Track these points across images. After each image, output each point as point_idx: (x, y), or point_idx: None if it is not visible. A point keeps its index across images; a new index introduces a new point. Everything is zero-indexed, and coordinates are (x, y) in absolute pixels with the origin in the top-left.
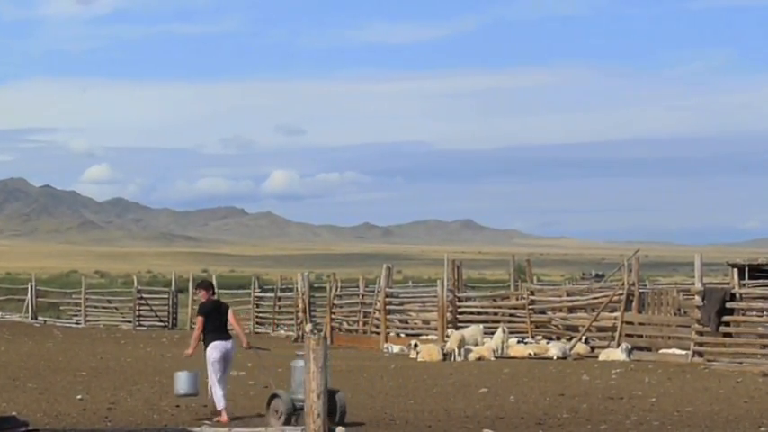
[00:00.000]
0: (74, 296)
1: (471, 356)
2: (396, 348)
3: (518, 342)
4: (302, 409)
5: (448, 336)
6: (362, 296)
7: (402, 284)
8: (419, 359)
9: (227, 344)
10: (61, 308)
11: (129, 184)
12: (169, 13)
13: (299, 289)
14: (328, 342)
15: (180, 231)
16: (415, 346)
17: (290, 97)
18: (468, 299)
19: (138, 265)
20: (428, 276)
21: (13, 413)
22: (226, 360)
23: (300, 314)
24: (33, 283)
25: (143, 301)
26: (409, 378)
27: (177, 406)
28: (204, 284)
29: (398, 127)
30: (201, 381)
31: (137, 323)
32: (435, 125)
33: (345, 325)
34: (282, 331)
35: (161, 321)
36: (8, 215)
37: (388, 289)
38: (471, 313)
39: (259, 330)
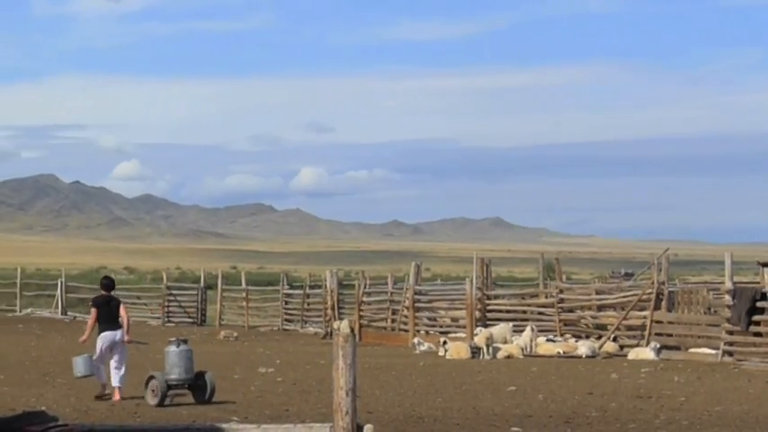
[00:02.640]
0: None
1: (500, 354)
2: (424, 346)
3: (547, 340)
4: (175, 387)
5: (476, 334)
6: (391, 293)
7: (430, 282)
8: (448, 357)
9: (116, 334)
10: (89, 304)
11: (158, 180)
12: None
13: (328, 286)
14: (356, 339)
15: (209, 228)
16: (444, 343)
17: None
18: (496, 297)
19: (167, 261)
20: (456, 274)
21: (43, 408)
22: (114, 348)
23: (329, 311)
24: (63, 279)
25: (172, 298)
26: (438, 376)
27: (207, 401)
28: (102, 283)
29: (428, 124)
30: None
31: (165, 319)
32: (465, 122)
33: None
34: (311, 328)
35: (190, 318)
36: (38, 211)
37: (416, 286)
38: (500, 311)
39: (287, 327)
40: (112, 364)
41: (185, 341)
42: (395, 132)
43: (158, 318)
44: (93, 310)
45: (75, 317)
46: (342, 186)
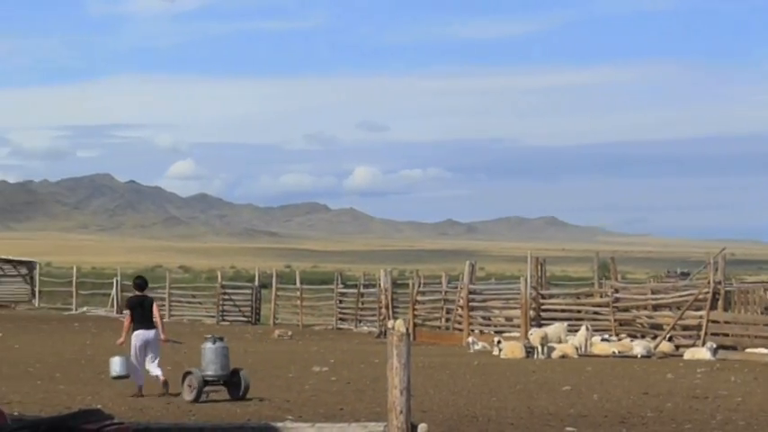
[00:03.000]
0: (158, 291)
1: (554, 354)
2: (478, 345)
3: (602, 340)
4: (211, 383)
5: (531, 333)
6: (445, 293)
7: (485, 281)
8: (502, 356)
9: (150, 333)
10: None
11: (213, 179)
12: (254, 9)
13: (382, 285)
14: (411, 338)
15: (263, 227)
16: (498, 342)
17: (374, 93)
18: (551, 296)
19: (222, 260)
20: (511, 273)
21: (99, 406)
22: (149, 347)
23: (383, 310)
24: (118, 278)
25: (227, 297)
26: (492, 375)
27: (261, 400)
28: (135, 283)
29: (482, 123)
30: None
31: (220, 318)
32: (519, 121)
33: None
34: (365, 327)
35: (244, 317)
36: (94, 210)
37: (471, 285)
38: (555, 311)
39: (342, 326)
40: (148, 359)
41: (221, 338)
42: (449, 131)
43: (213, 316)
44: (128, 312)
45: None
46: (396, 185)
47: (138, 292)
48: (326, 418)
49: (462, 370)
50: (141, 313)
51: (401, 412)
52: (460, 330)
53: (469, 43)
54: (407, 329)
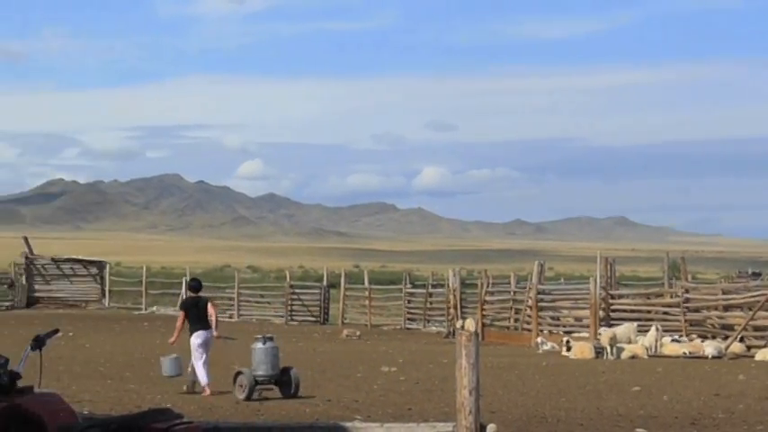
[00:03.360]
0: (227, 291)
1: (624, 355)
2: (547, 345)
3: (672, 340)
4: (262, 383)
5: (600, 333)
6: (514, 293)
7: (554, 281)
8: (571, 357)
9: (207, 333)
10: (215, 302)
11: (281, 179)
12: (322, 9)
13: (451, 285)
14: (479, 338)
15: (331, 227)
16: (567, 343)
17: (442, 93)
18: (620, 296)
19: (290, 260)
20: (580, 273)
21: (168, 406)
22: (207, 346)
23: (452, 310)
24: (187, 278)
25: (295, 297)
26: (561, 376)
27: (329, 400)
28: (190, 285)
29: (551, 122)
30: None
31: (289, 318)
32: (588, 121)
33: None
34: (434, 327)
35: (313, 316)
36: (163, 210)
37: (539, 286)
38: (624, 311)
39: (410, 326)
40: (202, 361)
41: (271, 338)
42: (517, 131)
43: (282, 316)
44: (182, 313)
45: None
46: (464, 185)
47: (192, 294)
48: (395, 418)
49: (531, 370)
50: (197, 314)
51: (470, 412)
52: (529, 330)
53: (537, 42)
54: (476, 329)
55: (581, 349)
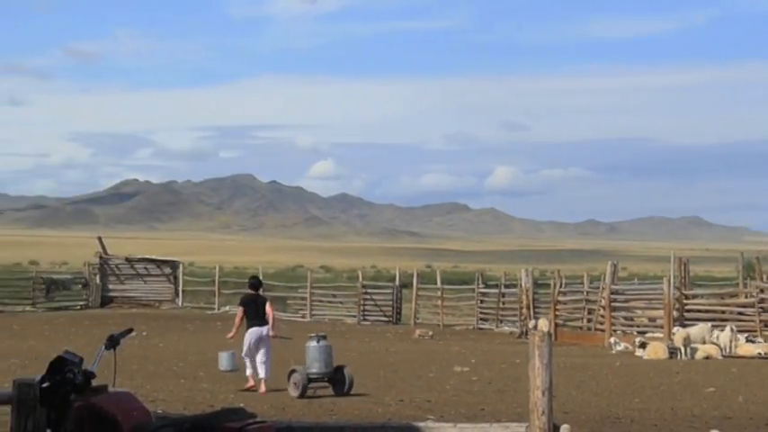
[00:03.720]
0: (300, 290)
1: (698, 355)
2: (621, 346)
3: (747, 341)
4: (315, 380)
5: (674, 334)
6: (587, 293)
7: (627, 281)
8: (645, 357)
9: (263, 330)
10: (287, 302)
11: (353, 179)
12: (395, 9)
13: (523, 285)
14: (552, 339)
15: (404, 227)
16: (641, 343)
17: (514, 93)
18: (694, 296)
19: (363, 260)
20: (654, 273)
21: (241, 405)
22: (261, 343)
23: (524, 310)
24: (260, 278)
25: (367, 296)
26: (634, 376)
27: (401, 400)
28: (249, 282)
29: (624, 122)
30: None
31: (361, 318)
32: (662, 120)
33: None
34: (506, 327)
35: (385, 316)
36: (236, 210)
37: (613, 286)
38: (698, 311)
39: (483, 326)
40: (259, 358)
41: (324, 337)
42: (590, 130)
43: (354, 316)
44: (240, 309)
45: None
46: (536, 185)
47: (251, 291)
48: (468, 419)
49: (604, 371)
50: (254, 310)
51: (543, 413)
52: (602, 331)
53: (609, 42)
54: (549, 329)
55: (654, 350)
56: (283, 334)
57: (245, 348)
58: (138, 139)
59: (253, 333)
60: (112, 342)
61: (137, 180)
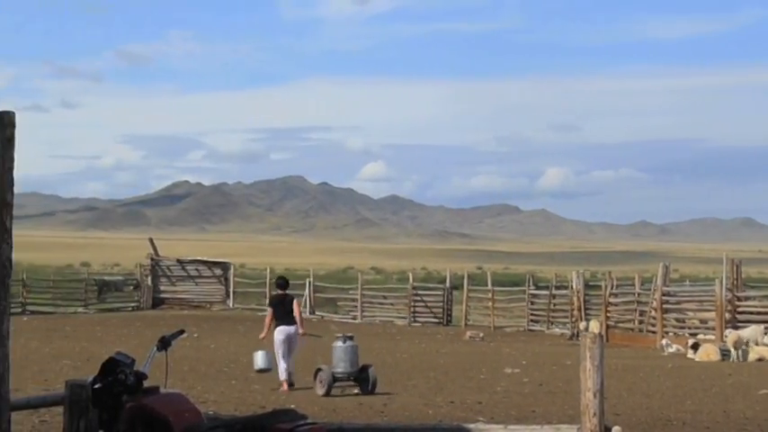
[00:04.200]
0: (350, 292)
1: (750, 357)
2: (672, 348)
3: None
4: (341, 379)
5: (726, 336)
6: (638, 294)
7: (679, 283)
8: (696, 359)
9: (291, 329)
10: (338, 303)
11: (404, 181)
12: (446, 10)
13: (574, 287)
14: (603, 340)
15: (454, 228)
16: (693, 345)
17: (565, 94)
18: (747, 298)
19: (413, 261)
20: (705, 275)
21: (292, 406)
22: (290, 342)
23: (575, 312)
24: (311, 279)
25: (418, 298)
26: (686, 378)
27: (452, 401)
28: (277, 283)
29: (676, 123)
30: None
31: (412, 319)
32: (714, 121)
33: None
34: (557, 329)
35: (435, 318)
36: (287, 212)
37: (664, 287)
38: (751, 313)
39: (533, 328)
40: (287, 355)
41: (351, 337)
42: (641, 131)
43: (404, 318)
44: (270, 309)
45: (322, 316)
46: (587, 186)
47: (279, 291)
48: (518, 420)
49: (656, 373)
50: (282, 310)
51: (594, 415)
52: (654, 333)
53: (661, 42)
54: (600, 331)
55: (706, 352)
56: (314, 332)
57: (276, 347)
58: (189, 141)
59: (281, 332)
60: (164, 343)
61: (188, 182)
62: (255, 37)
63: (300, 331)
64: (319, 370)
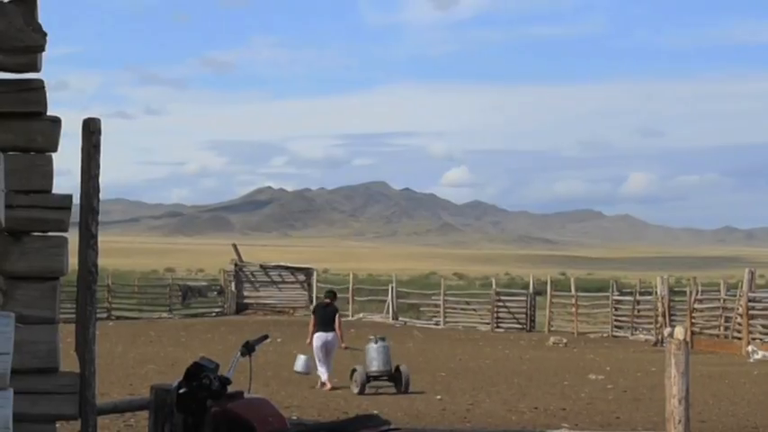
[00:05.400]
0: (433, 297)
1: None
2: (759, 354)
3: None
4: (375, 378)
5: None
6: (724, 300)
7: (765, 289)
8: None
9: (328, 336)
10: (421, 309)
11: (486, 186)
12: (529, 15)
13: (659, 292)
14: (688, 347)
15: (538, 234)
16: None
17: (649, 98)
18: None
19: (496, 267)
20: None
21: (375, 412)
22: (327, 347)
23: (660, 318)
24: (394, 285)
25: (501, 304)
26: None
27: (535, 408)
28: (325, 294)
29: (762, 127)
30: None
31: (495, 325)
32: None
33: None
34: (641, 335)
35: (519, 324)
36: (369, 217)
37: (750, 293)
38: None
39: (617, 334)
40: (324, 359)
41: (383, 338)
42: (726, 135)
43: (488, 323)
44: (312, 317)
45: (405, 322)
46: (672, 191)
47: (326, 301)
48: (602, 427)
49: (742, 379)
50: (322, 317)
51: (679, 422)
52: (740, 339)
53: (746, 46)
54: (685, 338)
55: None
56: (355, 345)
57: (315, 352)
58: (272, 147)
59: (318, 338)
60: (248, 348)
61: (271, 188)
62: (339, 43)
63: (342, 345)
64: (354, 370)
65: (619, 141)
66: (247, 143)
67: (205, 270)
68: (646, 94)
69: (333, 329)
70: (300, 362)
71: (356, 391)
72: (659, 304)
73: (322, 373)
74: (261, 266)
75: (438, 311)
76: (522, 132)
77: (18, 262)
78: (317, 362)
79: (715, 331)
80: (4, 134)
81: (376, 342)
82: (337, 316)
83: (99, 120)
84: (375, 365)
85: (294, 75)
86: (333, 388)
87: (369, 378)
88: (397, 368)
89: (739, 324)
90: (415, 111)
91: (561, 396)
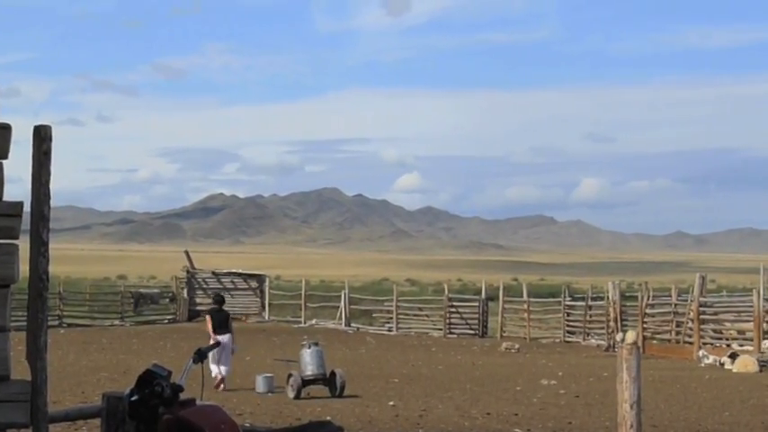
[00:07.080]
0: (386, 304)
1: None
2: (710, 359)
3: None
4: (310, 382)
5: (765, 347)
6: (675, 305)
7: (716, 294)
8: (734, 370)
9: (224, 338)
10: (374, 315)
11: (439, 192)
12: (481, 22)
13: (610, 298)
14: (640, 352)
15: (490, 240)
16: (731, 356)
17: (601, 104)
18: None
19: (449, 273)
20: (743, 286)
21: (328, 418)
22: (222, 348)
23: (612, 323)
24: (346, 291)
25: (453, 310)
26: (724, 389)
27: (488, 413)
28: (217, 299)
29: (712, 133)
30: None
31: (447, 331)
32: (750, 130)
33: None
34: (593, 340)
35: (471, 329)
36: (322, 224)
37: (701, 298)
38: None
39: (569, 339)
40: (221, 360)
41: (316, 343)
42: (677, 141)
43: (440, 329)
44: (208, 317)
45: (358, 328)
46: (623, 197)
47: (216, 306)
48: None
49: (693, 384)
50: (219, 321)
51: (631, 426)
52: (691, 344)
53: (697, 52)
54: (637, 342)
55: (744, 363)
56: (289, 358)
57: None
58: (224, 154)
59: (214, 340)
60: (200, 356)
61: (223, 194)
62: (291, 49)
63: (232, 346)
64: (290, 375)
65: (570, 147)
66: (199, 150)
67: (157, 277)
68: (597, 100)
69: (228, 331)
70: (260, 383)
71: (292, 395)
72: (611, 309)
73: (215, 373)
74: (213, 273)
75: (391, 317)
76: (474, 138)
77: None
78: (210, 362)
79: (666, 336)
80: None
81: (309, 347)
82: (230, 319)
83: (50, 127)
84: (310, 370)
85: (246, 81)
86: (225, 388)
87: (304, 382)
88: (333, 372)
89: (690, 329)
90: (367, 117)
91: (514, 401)
